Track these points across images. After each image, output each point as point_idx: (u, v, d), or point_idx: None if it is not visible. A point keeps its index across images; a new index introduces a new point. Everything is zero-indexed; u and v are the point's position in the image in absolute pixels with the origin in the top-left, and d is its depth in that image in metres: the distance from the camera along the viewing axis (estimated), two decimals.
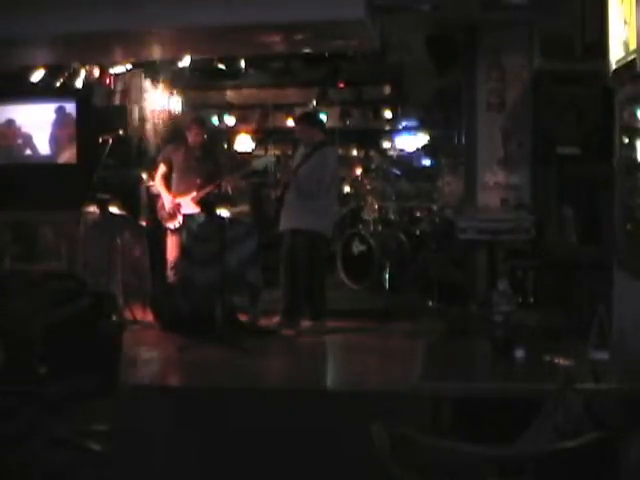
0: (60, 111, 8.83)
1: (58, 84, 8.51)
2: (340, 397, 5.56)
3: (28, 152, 8.97)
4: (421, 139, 12.05)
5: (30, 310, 4.00)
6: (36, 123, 8.90)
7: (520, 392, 3.19)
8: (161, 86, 9.57)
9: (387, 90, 11.20)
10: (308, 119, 7.77)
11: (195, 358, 6.60)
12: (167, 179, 7.79)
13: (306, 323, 7.27)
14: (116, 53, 7.77)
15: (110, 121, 8.56)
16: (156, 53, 7.83)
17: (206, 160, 7.79)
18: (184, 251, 7.58)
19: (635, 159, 3.74)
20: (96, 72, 8.59)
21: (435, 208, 9.60)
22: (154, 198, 8.07)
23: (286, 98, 11.46)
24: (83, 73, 8.44)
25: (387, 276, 8.96)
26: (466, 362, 3.68)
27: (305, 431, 4.78)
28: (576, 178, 6.85)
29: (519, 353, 3.44)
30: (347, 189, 10.91)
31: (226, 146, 11.66)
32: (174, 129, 9.50)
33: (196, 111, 10.66)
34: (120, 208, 7.82)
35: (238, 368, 6.24)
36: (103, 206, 7.73)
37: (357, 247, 9.19)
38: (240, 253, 7.30)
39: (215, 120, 11.52)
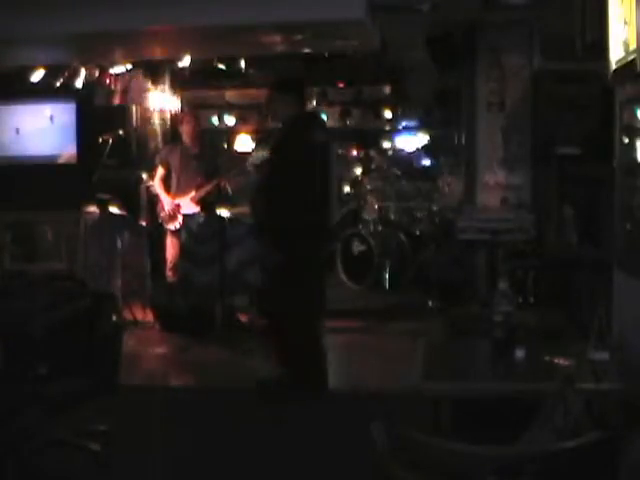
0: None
1: (58, 84, 8.51)
2: (340, 397, 5.57)
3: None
4: (421, 139, 12.04)
5: (30, 310, 3.99)
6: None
7: (520, 392, 3.19)
8: (161, 86, 9.56)
9: (387, 90, 11.19)
10: None
11: (195, 358, 6.60)
12: (166, 181, 7.80)
13: None
14: (116, 53, 7.77)
15: (110, 121, 8.56)
16: (156, 53, 7.83)
17: (204, 158, 7.80)
18: (184, 251, 7.59)
19: (635, 159, 3.74)
20: (96, 72, 8.59)
21: (435, 208, 9.60)
22: (154, 198, 8.08)
23: None
24: (83, 73, 8.44)
25: (387, 276, 8.96)
26: (466, 362, 3.68)
27: (305, 431, 4.78)
28: (576, 178, 6.85)
29: (519, 353, 3.43)
30: (347, 189, 10.90)
31: (226, 146, 11.66)
32: (172, 129, 9.51)
33: (195, 111, 10.66)
34: (120, 208, 7.82)
35: (238, 368, 6.24)
36: (103, 206, 7.73)
37: (357, 247, 9.19)
38: (240, 253, 7.30)
39: (215, 120, 11.51)
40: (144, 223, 8.41)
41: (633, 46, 3.50)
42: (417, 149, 12.02)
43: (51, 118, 8.86)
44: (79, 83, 8.50)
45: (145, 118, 9.50)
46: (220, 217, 7.30)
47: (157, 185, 7.85)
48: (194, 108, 10.49)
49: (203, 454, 4.48)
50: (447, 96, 9.40)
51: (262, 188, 5.76)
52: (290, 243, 5.43)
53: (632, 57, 3.51)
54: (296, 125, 5.64)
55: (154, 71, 9.19)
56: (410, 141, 12.07)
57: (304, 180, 5.42)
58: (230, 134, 11.84)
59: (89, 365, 4.07)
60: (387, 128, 12.31)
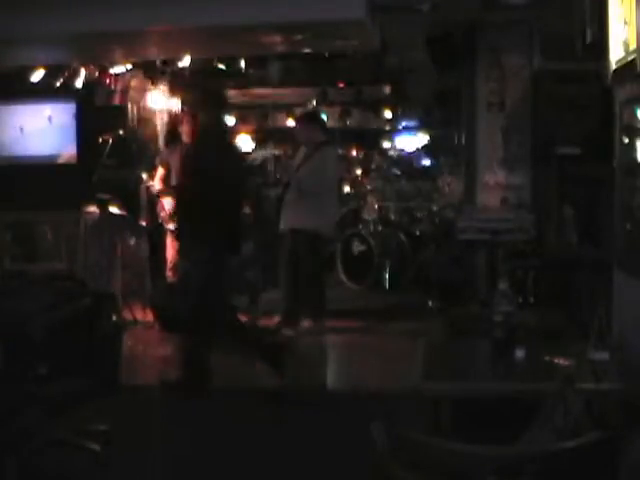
0: None
1: (58, 84, 8.50)
2: (340, 397, 5.56)
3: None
4: (421, 139, 12.07)
5: (30, 310, 3.99)
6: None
7: (520, 392, 3.19)
8: (161, 86, 9.56)
9: (387, 90, 11.21)
10: (309, 119, 7.78)
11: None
12: (166, 181, 7.80)
13: (306, 323, 7.26)
14: (116, 53, 7.77)
15: (110, 121, 8.55)
16: (156, 53, 7.83)
17: None
18: None
19: (635, 159, 3.74)
20: (96, 72, 8.59)
21: (435, 208, 9.60)
22: (154, 198, 8.08)
23: (286, 98, 11.45)
24: (83, 73, 8.44)
25: (387, 276, 8.97)
26: (466, 362, 3.68)
27: (305, 431, 4.78)
28: (576, 178, 6.85)
29: (519, 353, 3.44)
30: (347, 189, 10.91)
31: None
32: (172, 130, 9.51)
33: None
34: (120, 208, 7.82)
35: (238, 368, 6.23)
36: (103, 206, 7.73)
37: (357, 247, 9.19)
38: (240, 253, 7.28)
39: None
40: (144, 223, 8.41)
41: (633, 46, 3.50)
42: (417, 149, 12.05)
43: (49, 118, 8.85)
44: (79, 83, 8.50)
45: (145, 118, 9.50)
46: None
47: (157, 185, 7.85)
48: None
49: (203, 454, 4.48)
50: (447, 96, 9.40)
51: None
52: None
53: (632, 57, 3.51)
54: (209, 133, 5.84)
55: (154, 71, 9.18)
56: (410, 141, 12.10)
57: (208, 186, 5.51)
58: (230, 134, 11.85)
59: (89, 365, 4.07)
60: (387, 128, 12.35)
